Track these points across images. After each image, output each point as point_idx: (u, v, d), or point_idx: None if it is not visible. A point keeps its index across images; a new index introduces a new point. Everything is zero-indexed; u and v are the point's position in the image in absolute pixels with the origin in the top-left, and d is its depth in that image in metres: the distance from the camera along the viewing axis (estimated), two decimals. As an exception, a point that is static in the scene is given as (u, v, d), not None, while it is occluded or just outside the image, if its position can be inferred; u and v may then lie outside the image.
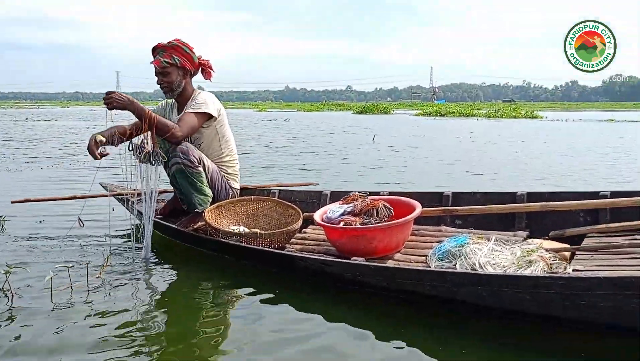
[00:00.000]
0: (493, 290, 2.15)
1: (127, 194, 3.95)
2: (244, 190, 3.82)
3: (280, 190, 3.93)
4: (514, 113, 30.47)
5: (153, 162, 3.12)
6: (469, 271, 2.33)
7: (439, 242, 2.99)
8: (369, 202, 3.07)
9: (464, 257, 2.53)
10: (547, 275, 2.14)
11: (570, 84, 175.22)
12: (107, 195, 4.02)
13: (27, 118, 26.45)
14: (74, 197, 3.98)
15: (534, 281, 2.04)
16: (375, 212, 3.00)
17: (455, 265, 2.53)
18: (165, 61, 3.33)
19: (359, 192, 3.24)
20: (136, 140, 3.17)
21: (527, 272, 2.37)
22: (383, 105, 45.80)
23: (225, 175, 3.53)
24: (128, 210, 4.00)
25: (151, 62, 3.38)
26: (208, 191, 3.36)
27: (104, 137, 3.14)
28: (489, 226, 3.19)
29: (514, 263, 2.45)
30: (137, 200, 3.91)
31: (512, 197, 3.22)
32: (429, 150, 10.53)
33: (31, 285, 2.63)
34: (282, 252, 2.80)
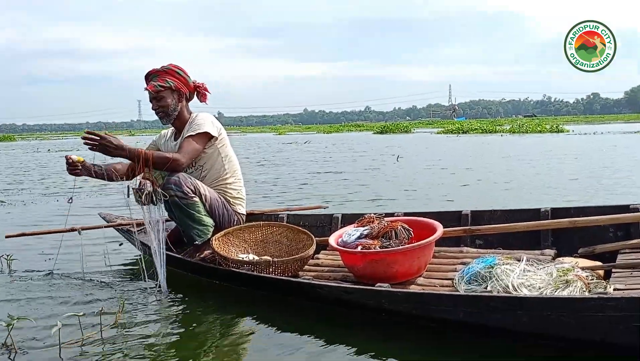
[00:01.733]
0: (535, 315, 1.98)
1: (128, 225, 3.79)
2: (251, 216, 3.65)
3: (288, 214, 3.77)
4: (538, 128, 29.37)
5: (155, 202, 2.97)
6: (513, 295, 2.15)
7: (463, 263, 2.83)
8: (386, 224, 2.91)
9: (496, 279, 2.36)
10: (596, 295, 1.97)
11: (592, 96, 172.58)
12: (107, 227, 3.84)
13: (49, 150, 26.32)
14: (72, 230, 3.79)
15: (582, 304, 1.87)
16: (393, 234, 2.84)
17: (486, 287, 2.36)
18: (159, 85, 3.22)
19: (374, 213, 3.08)
20: (132, 184, 3.03)
21: (565, 293, 2.21)
22: (403, 124, 45.53)
23: (230, 199, 3.36)
24: (130, 241, 3.82)
25: (145, 88, 3.27)
26: (207, 220, 3.19)
27: (81, 160, 3.13)
28: (513, 245, 3.03)
29: (550, 283, 2.29)
30: (139, 230, 3.76)
31: (535, 213, 3.06)
32: (471, 170, 9.72)
33: (37, 338, 2.34)
34: (300, 280, 2.62)
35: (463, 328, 2.16)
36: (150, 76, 3.28)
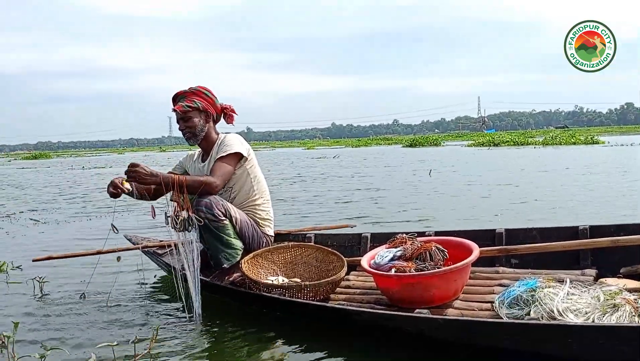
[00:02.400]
0: (587, 343, 1.89)
1: (156, 246, 3.77)
2: (277, 236, 3.60)
3: (316, 234, 3.71)
4: (572, 140, 28.56)
5: (189, 228, 2.93)
6: (564, 322, 2.05)
7: (501, 285, 2.75)
8: (419, 245, 2.84)
9: (539, 303, 2.27)
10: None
11: (625, 106, 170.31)
12: (134, 249, 3.81)
13: (83, 167, 26.73)
14: (100, 252, 3.77)
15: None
16: (428, 255, 2.77)
17: (529, 312, 2.28)
18: (186, 105, 3.21)
19: (405, 233, 3.01)
20: (168, 211, 2.99)
21: (613, 318, 2.12)
22: (433, 137, 44.93)
23: (260, 220, 3.32)
24: (157, 263, 3.79)
25: (172, 109, 3.26)
26: (237, 243, 3.15)
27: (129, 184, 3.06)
28: (550, 264, 2.93)
29: (597, 308, 2.20)
30: (165, 252, 3.72)
31: (573, 232, 2.98)
32: (509, 185, 9.21)
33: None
34: (335, 305, 2.55)
35: (508, 355, 2.07)
36: (178, 97, 3.27)
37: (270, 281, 3.01)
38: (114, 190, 3.02)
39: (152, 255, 3.77)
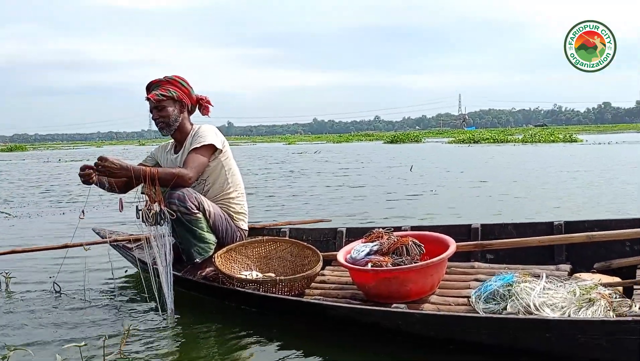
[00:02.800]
0: (564, 337, 1.89)
1: (126, 240, 3.66)
2: (252, 231, 3.54)
3: (290, 228, 3.65)
4: (551, 138, 28.65)
5: (161, 222, 2.85)
6: (542, 317, 2.04)
7: (477, 280, 2.75)
8: (396, 240, 2.82)
9: (516, 298, 2.26)
10: (632, 318, 1.89)
11: (603, 105, 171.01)
12: (103, 242, 3.70)
13: (59, 160, 26.06)
14: (67, 246, 3.64)
15: (617, 326, 1.78)
16: (405, 250, 2.74)
17: (505, 307, 2.26)
18: (160, 94, 3.13)
19: (382, 228, 2.98)
20: (140, 204, 2.89)
21: (589, 312, 2.13)
22: (414, 133, 44.81)
23: (234, 214, 3.25)
24: (126, 258, 3.69)
25: (146, 98, 3.17)
26: (210, 237, 3.07)
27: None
28: (525, 260, 2.95)
29: (572, 303, 2.20)
30: (136, 246, 3.62)
31: (548, 227, 2.99)
32: (487, 183, 9.14)
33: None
34: (311, 300, 2.50)
35: (486, 350, 2.06)
36: (152, 86, 3.18)
37: (244, 276, 2.95)
38: (86, 176, 2.88)
39: (122, 250, 3.66)
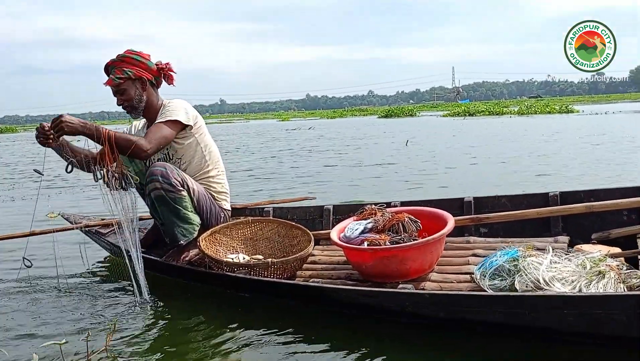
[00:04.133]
0: (582, 313, 1.81)
1: (99, 225, 3.44)
2: (233, 211, 3.36)
3: (274, 207, 3.49)
4: (547, 109, 28.56)
5: (125, 187, 2.65)
6: (566, 294, 1.95)
7: (475, 255, 2.66)
8: (390, 216, 2.70)
9: (523, 273, 2.18)
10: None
11: (596, 76, 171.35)
12: (73, 229, 3.47)
13: None
14: (33, 233, 3.39)
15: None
16: (401, 227, 2.63)
17: (513, 282, 2.18)
18: (117, 77, 2.87)
19: (374, 204, 2.86)
20: (98, 169, 2.68)
21: (600, 286, 2.06)
22: (408, 107, 44.34)
23: (215, 194, 3.07)
24: (100, 244, 3.47)
25: (104, 84, 2.92)
26: (194, 218, 2.90)
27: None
28: (520, 232, 2.88)
29: (582, 276, 2.13)
30: (109, 231, 3.42)
31: (543, 198, 2.92)
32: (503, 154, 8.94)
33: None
34: (310, 283, 2.36)
35: (496, 329, 1.97)
36: (109, 68, 2.93)
37: (232, 260, 2.79)
38: (43, 136, 2.62)
39: (95, 235, 3.44)
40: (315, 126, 27.35)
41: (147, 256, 2.82)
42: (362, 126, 24.36)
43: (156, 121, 2.88)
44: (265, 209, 3.48)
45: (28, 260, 2.92)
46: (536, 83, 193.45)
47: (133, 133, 3.16)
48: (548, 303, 1.83)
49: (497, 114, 28.97)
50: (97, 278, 3.20)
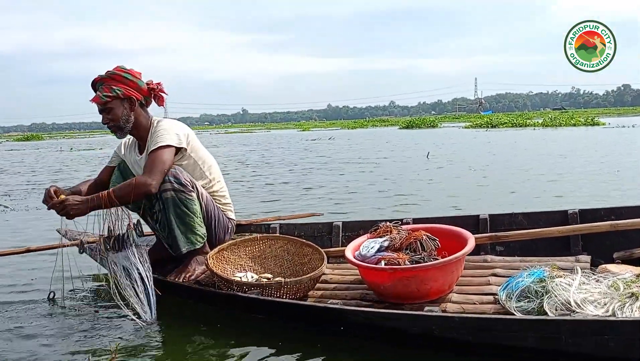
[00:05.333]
0: (622, 338, 1.72)
1: (95, 243, 3.30)
2: (238, 227, 3.25)
3: (281, 224, 3.38)
4: (572, 121, 27.88)
5: (128, 244, 2.60)
6: (610, 317, 1.85)
7: (494, 275, 2.57)
8: (407, 234, 2.60)
9: (553, 295, 2.09)
10: None
11: (622, 88, 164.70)
12: (69, 246, 3.32)
13: (71, 149, 25.46)
14: (28, 250, 3.26)
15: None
16: (419, 245, 2.53)
17: (541, 305, 2.09)
18: (104, 95, 2.76)
19: (389, 221, 2.76)
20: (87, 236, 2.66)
21: (635, 308, 1.97)
22: (430, 119, 43.58)
23: (221, 206, 2.97)
24: (97, 261, 3.33)
25: (91, 100, 2.80)
26: (200, 229, 2.79)
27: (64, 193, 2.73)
28: (537, 251, 2.80)
29: (614, 298, 2.04)
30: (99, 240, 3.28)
31: (562, 216, 2.84)
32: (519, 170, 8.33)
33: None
34: (329, 305, 2.23)
35: (531, 354, 1.87)
36: (96, 85, 2.81)
37: (240, 279, 2.67)
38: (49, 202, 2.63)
39: (94, 252, 3.29)
40: (335, 136, 27.08)
41: (157, 276, 2.69)
42: (383, 137, 23.81)
43: (148, 150, 2.76)
44: (272, 226, 3.36)
45: (53, 292, 2.93)
46: (560, 95, 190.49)
47: (123, 152, 3.05)
48: (588, 327, 1.73)
49: (521, 126, 28.21)
50: (97, 297, 3.06)
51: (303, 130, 43.71)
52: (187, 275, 2.77)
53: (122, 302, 2.51)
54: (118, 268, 2.63)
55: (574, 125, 26.71)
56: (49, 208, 2.63)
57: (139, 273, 2.59)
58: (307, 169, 10.40)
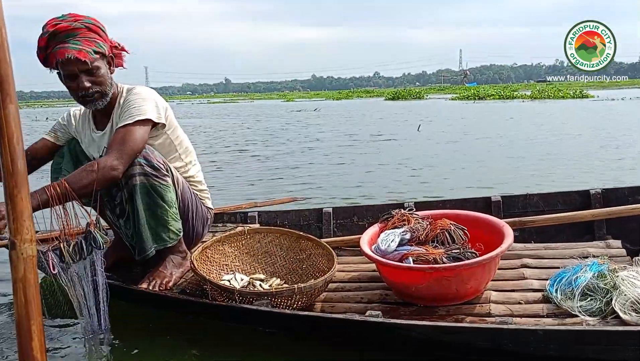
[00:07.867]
0: None
1: (47, 250, 2.67)
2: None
3: (259, 211, 2.92)
4: (560, 94, 27.54)
5: (91, 249, 2.02)
6: None
7: (524, 266, 2.29)
8: (428, 224, 2.25)
9: (623, 292, 1.83)
10: None
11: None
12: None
13: (47, 118, 23.48)
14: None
15: None
16: (447, 236, 2.19)
17: (608, 304, 1.83)
18: (93, 50, 2.11)
19: (405, 208, 2.40)
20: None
21: None
22: (415, 90, 43.17)
23: (198, 192, 2.46)
24: (46, 273, 2.70)
25: (67, 58, 2.06)
26: (175, 224, 2.23)
27: None
28: (555, 236, 2.56)
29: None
30: (52, 247, 2.67)
31: (583, 197, 2.61)
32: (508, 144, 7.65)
33: None
34: (369, 319, 1.82)
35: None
36: (60, 36, 2.08)
37: (228, 282, 2.20)
38: None
39: (40, 262, 2.66)
40: (320, 107, 26.23)
41: (120, 284, 2.16)
42: (369, 109, 23.19)
43: (121, 123, 2.14)
44: (249, 214, 2.89)
45: None
46: (544, 67, 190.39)
47: (74, 126, 2.41)
48: None
49: (508, 98, 28.25)
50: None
51: (287, 101, 42.24)
52: (164, 281, 2.25)
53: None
54: (76, 279, 2.07)
55: (563, 97, 26.86)
56: None
57: (96, 284, 2.06)
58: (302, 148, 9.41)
